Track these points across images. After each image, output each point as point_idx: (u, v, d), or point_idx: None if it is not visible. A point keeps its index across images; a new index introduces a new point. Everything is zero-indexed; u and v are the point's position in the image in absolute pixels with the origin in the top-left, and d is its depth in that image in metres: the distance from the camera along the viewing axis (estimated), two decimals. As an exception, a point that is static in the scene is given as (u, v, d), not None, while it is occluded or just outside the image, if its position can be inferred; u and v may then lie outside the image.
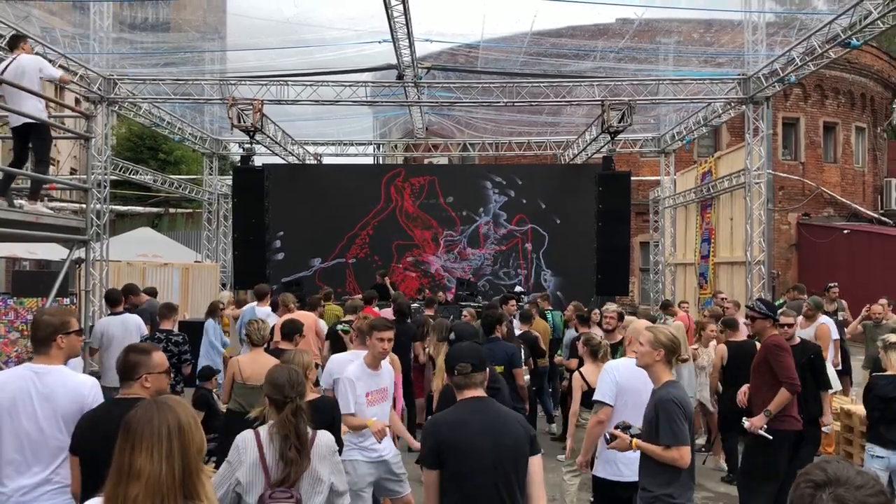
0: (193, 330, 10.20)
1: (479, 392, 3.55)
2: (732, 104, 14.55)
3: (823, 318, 9.57)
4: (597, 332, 7.73)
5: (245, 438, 3.38)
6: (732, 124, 21.24)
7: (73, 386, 3.76)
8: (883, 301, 10.60)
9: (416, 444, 5.13)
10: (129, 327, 8.16)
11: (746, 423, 5.99)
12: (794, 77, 12.58)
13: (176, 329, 7.82)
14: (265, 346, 6.52)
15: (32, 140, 7.97)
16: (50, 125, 8.35)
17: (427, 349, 8.67)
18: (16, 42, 8.29)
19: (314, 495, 3.32)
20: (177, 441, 2.22)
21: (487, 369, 3.63)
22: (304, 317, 8.90)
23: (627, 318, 7.73)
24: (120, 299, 8.80)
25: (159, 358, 3.65)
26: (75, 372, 4.13)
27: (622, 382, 4.93)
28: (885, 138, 28.38)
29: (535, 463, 3.48)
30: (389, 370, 5.41)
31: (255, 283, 14.39)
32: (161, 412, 2.26)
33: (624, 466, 4.88)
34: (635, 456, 4.83)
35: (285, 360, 4.41)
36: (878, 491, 1.66)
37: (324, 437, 3.46)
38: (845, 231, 21.96)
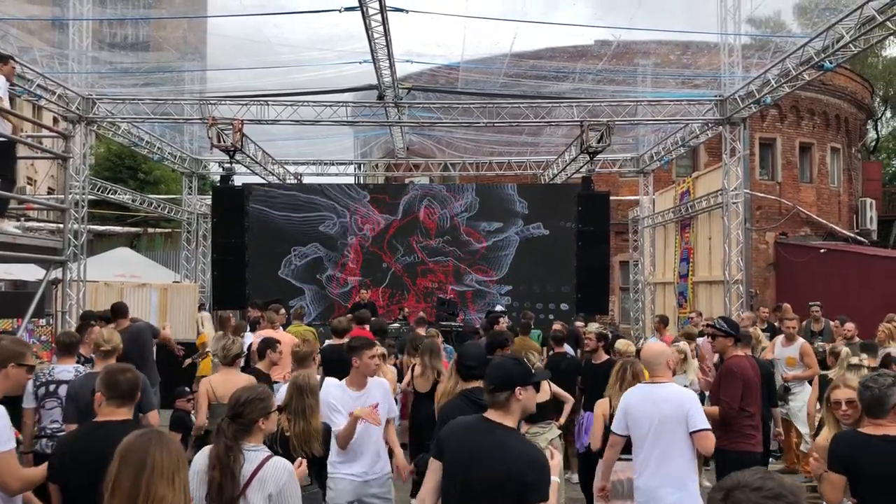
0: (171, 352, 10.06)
1: (499, 416, 3.28)
2: (710, 125, 14.72)
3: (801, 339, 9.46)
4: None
5: (202, 452, 3.38)
6: (710, 145, 21.45)
7: None
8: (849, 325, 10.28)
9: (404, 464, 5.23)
10: None
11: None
12: (770, 98, 12.77)
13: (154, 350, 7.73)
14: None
15: None
16: (30, 144, 8.26)
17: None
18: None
19: None
20: (184, 470, 2.55)
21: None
22: (282, 336, 8.82)
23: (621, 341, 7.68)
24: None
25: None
26: None
27: (629, 409, 4.92)
28: (859, 158, 28.82)
29: None
30: (380, 384, 5.27)
31: (235, 303, 14.17)
32: (172, 443, 2.56)
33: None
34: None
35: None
36: (776, 494, 1.69)
37: (276, 463, 3.32)
38: (822, 250, 22.19)
